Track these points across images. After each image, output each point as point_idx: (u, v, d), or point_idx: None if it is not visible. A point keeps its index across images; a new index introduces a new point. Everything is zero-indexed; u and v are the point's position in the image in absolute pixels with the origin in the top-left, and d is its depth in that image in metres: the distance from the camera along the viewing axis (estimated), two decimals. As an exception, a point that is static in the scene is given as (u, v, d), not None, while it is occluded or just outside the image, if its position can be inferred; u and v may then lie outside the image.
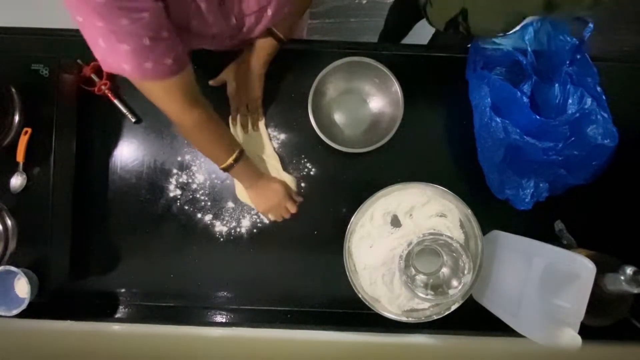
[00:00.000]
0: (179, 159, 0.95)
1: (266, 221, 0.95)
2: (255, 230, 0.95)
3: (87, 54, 0.92)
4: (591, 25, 0.83)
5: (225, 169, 0.83)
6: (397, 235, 0.87)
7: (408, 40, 1.46)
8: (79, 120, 0.93)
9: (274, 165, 0.95)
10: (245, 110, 0.94)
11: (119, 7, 0.56)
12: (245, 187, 0.91)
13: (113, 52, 0.61)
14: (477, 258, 0.83)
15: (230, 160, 0.82)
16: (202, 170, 0.96)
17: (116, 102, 0.94)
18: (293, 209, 0.92)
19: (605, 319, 0.75)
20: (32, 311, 0.84)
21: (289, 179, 0.94)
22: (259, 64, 0.89)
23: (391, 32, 1.49)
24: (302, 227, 0.95)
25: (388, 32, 1.51)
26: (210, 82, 0.93)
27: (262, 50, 0.88)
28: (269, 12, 0.80)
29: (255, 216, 0.95)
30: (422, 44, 0.99)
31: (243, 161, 0.84)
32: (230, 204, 0.95)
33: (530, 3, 0.74)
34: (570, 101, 0.86)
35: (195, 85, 0.73)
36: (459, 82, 0.96)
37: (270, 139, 0.97)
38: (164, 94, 0.69)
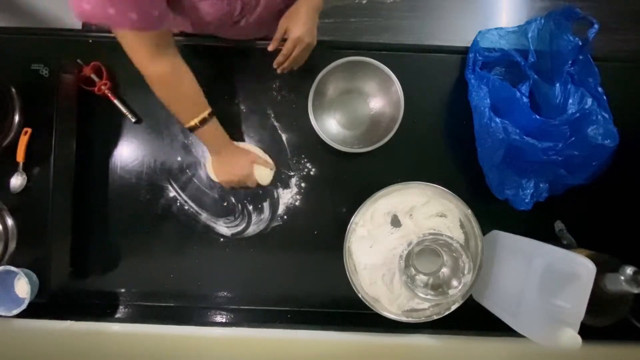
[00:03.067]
0: (179, 159, 0.95)
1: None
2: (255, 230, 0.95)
3: (87, 54, 0.93)
4: (596, 26, 0.82)
5: (190, 129, 0.80)
6: (397, 235, 0.87)
7: (408, 40, 1.46)
8: (79, 120, 0.93)
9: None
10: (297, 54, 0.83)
11: None
12: (210, 152, 0.89)
13: None
14: (477, 258, 0.83)
15: (195, 121, 0.78)
16: (202, 170, 0.95)
17: (116, 102, 0.93)
18: (252, 185, 0.90)
19: (605, 319, 0.75)
20: (32, 311, 0.84)
21: (264, 160, 0.91)
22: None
23: None
24: (302, 227, 0.95)
25: None
26: (269, 48, 0.84)
27: None
28: None
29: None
30: (422, 44, 0.99)
31: (210, 125, 0.80)
32: (231, 205, 0.95)
33: None
34: (570, 101, 0.86)
35: (168, 36, 0.70)
36: (458, 82, 0.96)
37: None
38: (135, 41, 0.67)
